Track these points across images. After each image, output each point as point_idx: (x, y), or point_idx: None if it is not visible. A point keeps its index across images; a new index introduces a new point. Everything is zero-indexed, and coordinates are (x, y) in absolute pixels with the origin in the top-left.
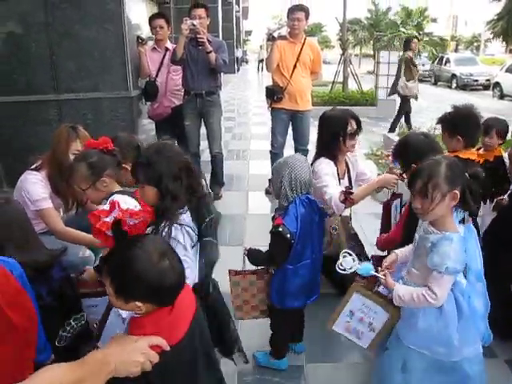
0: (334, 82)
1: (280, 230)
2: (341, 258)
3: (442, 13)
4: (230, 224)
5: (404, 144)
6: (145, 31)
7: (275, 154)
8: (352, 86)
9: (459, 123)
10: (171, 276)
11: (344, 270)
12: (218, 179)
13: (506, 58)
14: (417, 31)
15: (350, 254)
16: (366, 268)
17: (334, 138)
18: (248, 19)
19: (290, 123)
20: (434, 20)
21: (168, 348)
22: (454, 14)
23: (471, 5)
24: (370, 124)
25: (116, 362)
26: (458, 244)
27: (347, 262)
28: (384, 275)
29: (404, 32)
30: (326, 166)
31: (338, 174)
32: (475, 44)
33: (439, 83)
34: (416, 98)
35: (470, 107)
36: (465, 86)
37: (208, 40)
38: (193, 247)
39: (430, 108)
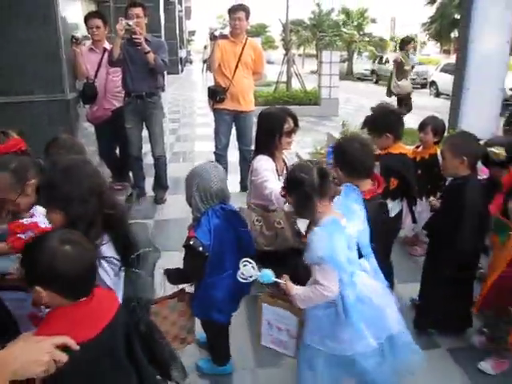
0: (277, 82)
1: (191, 243)
2: (241, 266)
3: (381, 14)
4: (175, 228)
5: (341, 152)
6: (82, 31)
7: (219, 155)
8: (296, 85)
9: (383, 121)
10: (66, 262)
11: (245, 278)
12: (161, 183)
13: (441, 58)
14: (357, 31)
15: (250, 262)
16: (267, 275)
17: (271, 135)
18: (191, 19)
19: (233, 124)
20: (374, 21)
21: (77, 347)
22: (393, 16)
23: (408, 7)
24: (313, 123)
25: (19, 361)
26: (321, 234)
27: (248, 271)
28: (285, 280)
29: (345, 32)
30: (265, 163)
31: (277, 171)
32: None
33: (380, 82)
34: (409, 95)
35: (386, 105)
36: None
37: (147, 40)
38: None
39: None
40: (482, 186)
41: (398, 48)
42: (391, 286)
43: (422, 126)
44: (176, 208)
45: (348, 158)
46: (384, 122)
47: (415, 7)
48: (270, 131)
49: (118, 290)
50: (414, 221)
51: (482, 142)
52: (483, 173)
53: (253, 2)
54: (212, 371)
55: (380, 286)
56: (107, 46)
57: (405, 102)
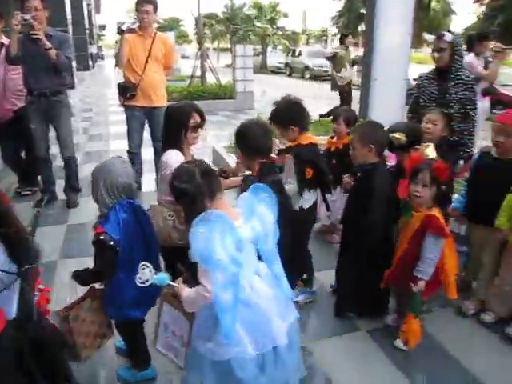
0: (192, 77)
1: (102, 237)
2: (140, 270)
3: (293, 8)
4: (90, 233)
5: (241, 136)
6: None
7: (133, 153)
8: (211, 79)
9: (287, 114)
10: None
11: (143, 282)
12: (72, 185)
13: (350, 51)
14: (270, 25)
15: (148, 266)
16: (162, 278)
17: (178, 130)
18: (101, 13)
19: (146, 120)
20: (286, 15)
21: None
22: (304, 10)
23: (318, 1)
24: (230, 117)
25: None
26: (196, 233)
27: (145, 274)
28: (178, 283)
29: (258, 26)
30: (174, 156)
31: None
32: (324, 38)
33: (293, 75)
34: (350, 81)
35: (288, 97)
36: (316, 77)
37: (48, 35)
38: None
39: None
40: (390, 172)
41: (339, 41)
42: (310, 274)
43: (335, 117)
44: (90, 211)
45: (247, 140)
46: (287, 114)
47: (325, 1)
48: (176, 126)
49: (9, 303)
50: (328, 209)
51: (385, 129)
52: (391, 160)
53: None
54: (134, 378)
55: (275, 295)
56: (5, 41)
57: (346, 92)
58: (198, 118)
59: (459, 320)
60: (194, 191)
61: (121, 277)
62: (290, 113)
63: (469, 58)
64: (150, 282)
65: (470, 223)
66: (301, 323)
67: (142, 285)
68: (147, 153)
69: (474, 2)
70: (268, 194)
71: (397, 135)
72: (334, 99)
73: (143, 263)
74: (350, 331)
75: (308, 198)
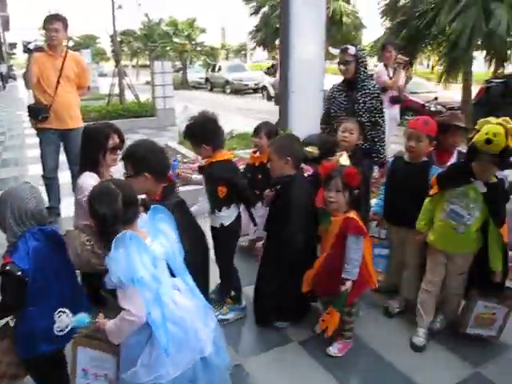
0: (110, 95)
1: (8, 268)
2: (56, 318)
3: (211, 24)
4: None
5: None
6: None
7: (49, 178)
8: (131, 97)
9: (200, 132)
10: None
11: (62, 330)
12: None
13: (270, 64)
14: (189, 41)
15: (64, 312)
16: (81, 319)
17: (96, 152)
18: (10, 30)
19: (62, 143)
20: (204, 30)
21: None
22: (223, 25)
23: (236, 16)
24: (151, 135)
25: None
26: (116, 256)
27: (63, 321)
28: (98, 319)
29: (177, 42)
30: (89, 179)
31: None
32: (243, 52)
33: (215, 89)
34: None
35: (201, 115)
36: (237, 91)
37: None
38: None
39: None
40: (309, 182)
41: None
42: (238, 290)
43: (256, 131)
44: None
45: (140, 158)
46: (200, 132)
47: (242, 17)
48: (94, 148)
49: None
50: (255, 224)
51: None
52: (309, 171)
53: (77, 12)
54: None
55: (195, 305)
56: None
57: None
58: (116, 139)
59: (386, 320)
60: (112, 216)
61: (31, 310)
62: (203, 130)
63: (378, 68)
64: (70, 327)
65: (390, 225)
66: (232, 340)
67: (62, 333)
68: (65, 176)
69: (381, 17)
70: (165, 214)
71: (309, 149)
72: (261, 112)
73: (59, 310)
74: (282, 344)
75: (227, 215)
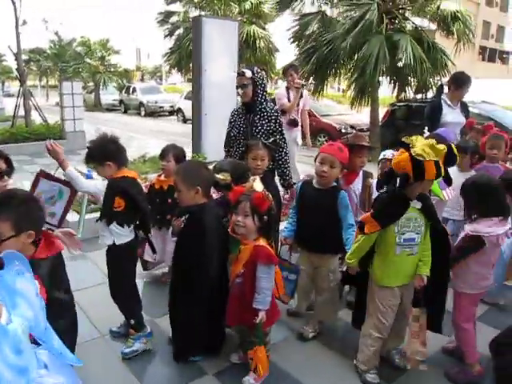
0: (14, 117)
1: None
2: None
3: (125, 45)
4: None
5: None
6: None
7: None
8: (38, 119)
9: (103, 151)
10: None
11: None
12: None
13: (185, 86)
14: (102, 62)
15: None
16: None
17: None
18: None
19: None
20: (117, 52)
21: None
22: (137, 47)
23: (151, 39)
24: None
25: None
26: None
27: None
28: None
29: (89, 63)
30: None
31: None
32: (158, 74)
33: (129, 111)
34: None
35: (100, 136)
36: (152, 113)
37: None
38: None
39: (123, 136)
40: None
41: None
42: (139, 316)
43: (163, 155)
44: None
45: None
46: (102, 151)
47: (157, 39)
48: None
49: None
50: (154, 251)
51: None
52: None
53: None
54: None
55: (64, 379)
56: None
57: None
58: (2, 165)
59: (301, 344)
60: None
61: None
62: (106, 150)
63: (278, 90)
64: None
65: (302, 250)
66: (143, 375)
67: None
68: None
69: (291, 43)
70: (21, 261)
71: (221, 176)
72: (176, 135)
73: None
74: (197, 377)
75: (122, 234)
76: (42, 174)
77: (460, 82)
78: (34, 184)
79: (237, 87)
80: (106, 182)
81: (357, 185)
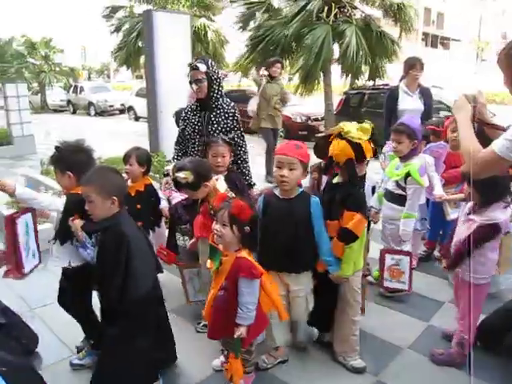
0: None
1: None
2: None
3: (70, 43)
4: None
5: None
6: None
7: None
8: None
9: (67, 159)
10: None
11: None
12: None
13: (135, 83)
14: (46, 62)
15: None
16: None
17: None
18: None
19: None
20: (62, 51)
21: None
22: (83, 45)
23: (98, 36)
24: (9, 165)
25: None
26: None
27: None
28: None
29: (33, 63)
30: None
31: None
32: (106, 72)
33: (78, 111)
34: None
35: (77, 143)
36: (102, 112)
37: None
38: None
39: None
40: (183, 205)
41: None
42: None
43: (126, 158)
44: None
45: None
46: (71, 158)
47: (104, 36)
48: None
49: None
50: None
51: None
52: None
53: None
54: None
55: None
56: None
57: None
58: None
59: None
60: None
61: None
62: (73, 158)
63: None
64: None
65: (271, 273)
66: None
67: None
68: None
69: (241, 31)
70: None
71: (182, 174)
72: (130, 134)
73: None
74: None
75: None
76: (12, 216)
77: (406, 66)
78: (13, 232)
79: (190, 83)
80: (63, 198)
81: None
